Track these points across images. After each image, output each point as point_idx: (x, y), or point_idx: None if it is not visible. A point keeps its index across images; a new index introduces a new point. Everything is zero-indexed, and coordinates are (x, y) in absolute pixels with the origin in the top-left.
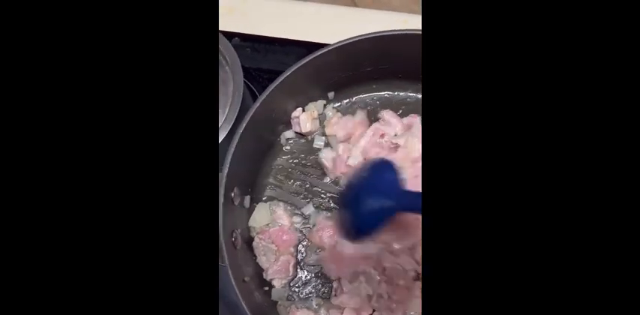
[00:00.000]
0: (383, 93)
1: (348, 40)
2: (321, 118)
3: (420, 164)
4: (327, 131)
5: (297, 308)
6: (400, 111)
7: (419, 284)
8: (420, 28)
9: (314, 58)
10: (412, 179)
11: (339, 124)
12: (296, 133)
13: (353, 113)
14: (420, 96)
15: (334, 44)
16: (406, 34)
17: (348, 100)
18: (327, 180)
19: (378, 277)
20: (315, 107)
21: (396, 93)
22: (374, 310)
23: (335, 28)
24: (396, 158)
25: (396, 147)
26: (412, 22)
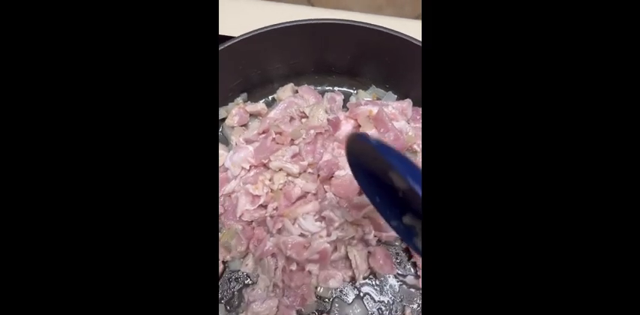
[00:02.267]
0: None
1: (250, 32)
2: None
3: (313, 132)
4: (227, 122)
5: None
6: None
7: None
8: (330, 17)
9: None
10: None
11: (240, 114)
12: None
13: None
14: (336, 88)
15: (237, 37)
16: (301, 24)
17: (264, 100)
18: None
19: None
20: (226, 112)
21: (311, 87)
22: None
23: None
24: (296, 126)
25: (303, 116)
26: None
